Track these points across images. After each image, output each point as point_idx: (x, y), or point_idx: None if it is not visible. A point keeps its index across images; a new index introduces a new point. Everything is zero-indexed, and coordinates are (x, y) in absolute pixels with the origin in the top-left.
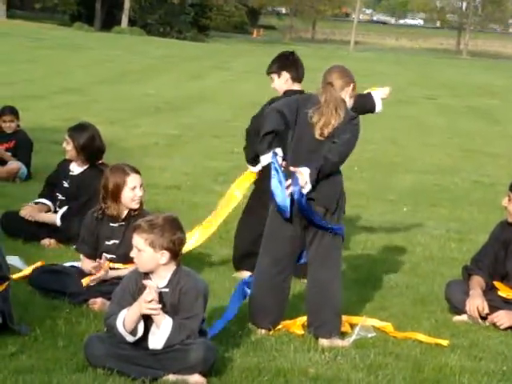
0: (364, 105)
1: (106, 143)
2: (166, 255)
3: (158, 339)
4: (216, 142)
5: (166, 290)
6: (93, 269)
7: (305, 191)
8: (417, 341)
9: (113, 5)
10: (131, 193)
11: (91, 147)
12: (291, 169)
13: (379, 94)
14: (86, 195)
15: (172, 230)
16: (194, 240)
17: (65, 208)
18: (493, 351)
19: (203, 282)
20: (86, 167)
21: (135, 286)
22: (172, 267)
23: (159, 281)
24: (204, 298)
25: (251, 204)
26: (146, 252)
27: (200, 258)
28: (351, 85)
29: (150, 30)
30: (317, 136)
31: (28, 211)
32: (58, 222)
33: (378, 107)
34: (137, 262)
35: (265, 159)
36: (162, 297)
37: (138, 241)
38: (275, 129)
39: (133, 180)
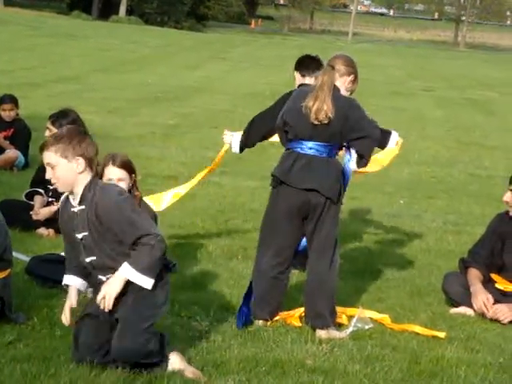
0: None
1: (103, 132)
2: (82, 162)
3: (141, 282)
4: (214, 132)
5: (82, 207)
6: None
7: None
8: (414, 333)
9: None
10: None
11: None
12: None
13: (396, 137)
14: None
15: (78, 137)
16: (165, 202)
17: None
18: (490, 343)
19: (119, 192)
20: None
21: (67, 215)
22: (87, 177)
23: (77, 199)
24: (124, 202)
25: None
26: (60, 165)
27: (198, 247)
28: (351, 75)
29: (147, 20)
30: (312, 120)
31: (41, 214)
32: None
33: (390, 144)
34: (55, 181)
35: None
36: (78, 215)
37: (50, 156)
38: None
39: (109, 172)
